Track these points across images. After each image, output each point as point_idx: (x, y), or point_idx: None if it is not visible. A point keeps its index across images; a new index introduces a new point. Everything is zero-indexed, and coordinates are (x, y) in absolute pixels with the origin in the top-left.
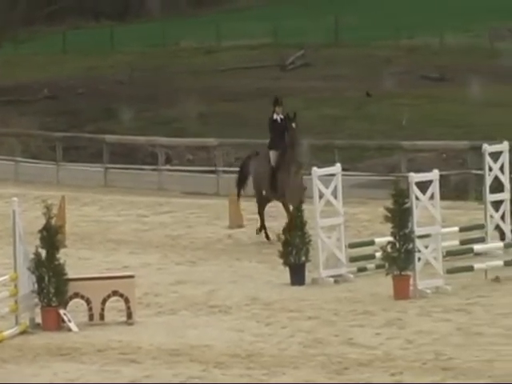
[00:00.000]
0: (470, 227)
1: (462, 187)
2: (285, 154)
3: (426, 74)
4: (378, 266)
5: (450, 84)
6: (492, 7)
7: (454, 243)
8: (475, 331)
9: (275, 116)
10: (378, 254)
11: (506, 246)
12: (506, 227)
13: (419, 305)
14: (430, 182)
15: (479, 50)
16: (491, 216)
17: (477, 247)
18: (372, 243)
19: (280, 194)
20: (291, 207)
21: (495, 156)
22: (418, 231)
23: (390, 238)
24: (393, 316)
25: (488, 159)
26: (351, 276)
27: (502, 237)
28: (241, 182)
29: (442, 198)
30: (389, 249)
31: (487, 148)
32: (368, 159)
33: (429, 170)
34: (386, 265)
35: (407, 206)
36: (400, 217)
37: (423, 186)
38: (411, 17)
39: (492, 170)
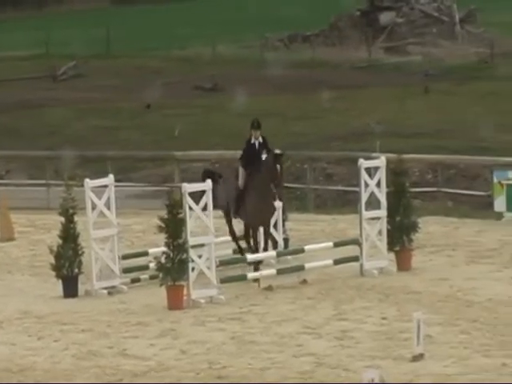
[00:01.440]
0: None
1: None
2: (254, 177)
3: (199, 85)
4: (152, 277)
5: (222, 94)
6: (264, 18)
7: (227, 252)
8: (249, 340)
9: (253, 140)
10: (152, 265)
11: (279, 255)
12: (278, 236)
13: (193, 314)
14: (203, 192)
15: (250, 61)
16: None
17: (250, 257)
18: (146, 254)
19: (243, 216)
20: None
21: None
22: (192, 241)
23: (164, 249)
24: (167, 326)
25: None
26: (125, 287)
27: (275, 245)
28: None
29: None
30: (163, 259)
31: (363, 163)
32: (142, 170)
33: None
34: (160, 275)
35: (181, 216)
36: (174, 227)
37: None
38: (183, 28)
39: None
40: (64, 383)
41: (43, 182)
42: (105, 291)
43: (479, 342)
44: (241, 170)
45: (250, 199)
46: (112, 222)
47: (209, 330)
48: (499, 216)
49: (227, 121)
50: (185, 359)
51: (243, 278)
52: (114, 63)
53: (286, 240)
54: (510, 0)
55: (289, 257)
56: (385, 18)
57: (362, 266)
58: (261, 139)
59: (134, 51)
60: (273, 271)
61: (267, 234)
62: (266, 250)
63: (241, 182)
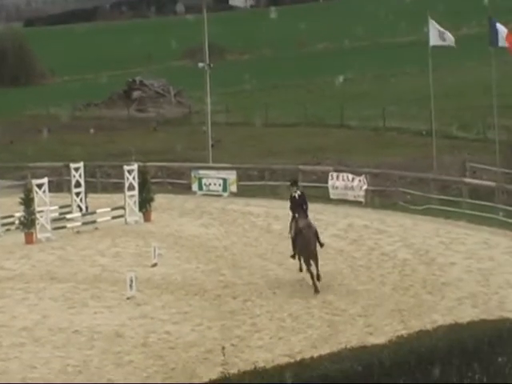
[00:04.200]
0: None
1: None
2: (297, 221)
3: None
4: (17, 227)
5: None
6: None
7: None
8: (68, 258)
9: (293, 194)
10: (17, 222)
11: (83, 215)
12: (83, 205)
13: (38, 247)
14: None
15: None
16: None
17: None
18: (12, 216)
19: (297, 251)
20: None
21: None
22: (37, 209)
23: (23, 213)
24: (25, 253)
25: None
26: (2, 233)
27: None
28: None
29: None
30: (22, 218)
31: (125, 168)
32: (14, 172)
33: None
34: (21, 227)
35: (31, 196)
36: (27, 202)
37: None
38: None
39: None
40: None
41: None
42: None
43: (185, 256)
44: (290, 217)
45: (299, 240)
46: None
47: (46, 254)
48: (194, 193)
49: None
50: (35, 269)
51: (64, 227)
52: None
53: (87, 207)
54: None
55: (88, 216)
56: (136, 93)
57: (126, 219)
58: (299, 192)
59: None
60: (79, 223)
61: (316, 260)
62: (318, 273)
63: (292, 230)
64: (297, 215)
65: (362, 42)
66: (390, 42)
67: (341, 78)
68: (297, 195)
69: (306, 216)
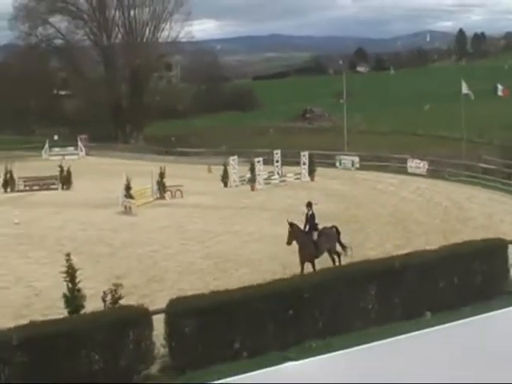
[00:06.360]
0: None
1: None
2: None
3: None
4: None
5: None
6: None
7: None
8: None
9: (309, 213)
10: None
11: (280, 177)
12: (280, 172)
13: None
14: None
15: None
16: None
17: None
18: None
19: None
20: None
21: None
22: None
23: None
24: None
25: None
26: None
27: (279, 175)
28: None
29: None
30: None
31: None
32: None
33: None
34: None
35: None
36: None
37: None
38: None
39: None
40: None
41: None
42: None
43: (332, 200)
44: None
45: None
46: None
47: (260, 196)
48: (336, 168)
49: None
50: (255, 203)
51: (269, 183)
52: None
53: (281, 173)
54: None
55: (282, 177)
56: (307, 115)
57: (301, 180)
58: (311, 212)
59: None
60: (277, 181)
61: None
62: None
63: (302, 239)
64: (320, 227)
65: None
66: None
67: None
68: (309, 214)
69: (316, 229)
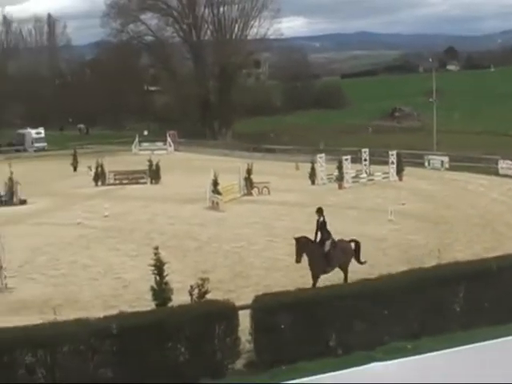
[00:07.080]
0: None
1: None
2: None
3: None
4: None
5: None
6: None
7: None
8: None
9: (320, 219)
10: None
11: (368, 175)
12: (368, 171)
13: None
14: None
15: None
16: None
17: None
18: None
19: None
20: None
21: None
22: None
23: None
24: None
25: None
26: None
27: (367, 174)
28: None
29: None
30: None
31: None
32: None
33: None
34: None
35: None
36: None
37: None
38: None
39: None
40: None
41: None
42: None
43: (418, 199)
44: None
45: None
46: None
47: (347, 194)
48: (425, 167)
49: None
50: (341, 200)
51: (358, 182)
52: None
53: (369, 172)
54: None
55: (369, 176)
56: (396, 113)
57: (389, 179)
58: (322, 219)
59: None
60: (365, 180)
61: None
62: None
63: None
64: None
65: None
66: None
67: None
68: (320, 221)
69: (328, 238)
